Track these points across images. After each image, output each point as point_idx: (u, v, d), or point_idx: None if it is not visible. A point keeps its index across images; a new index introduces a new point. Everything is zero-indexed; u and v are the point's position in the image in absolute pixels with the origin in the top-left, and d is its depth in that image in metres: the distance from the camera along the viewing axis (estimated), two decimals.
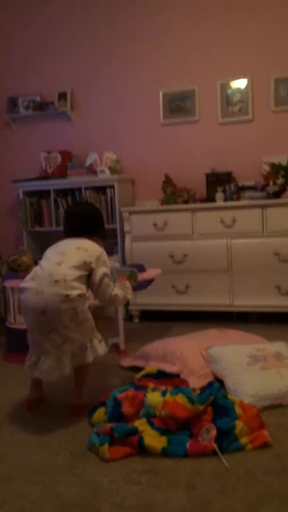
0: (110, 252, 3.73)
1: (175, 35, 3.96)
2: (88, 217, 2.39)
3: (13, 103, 4.42)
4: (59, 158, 4.15)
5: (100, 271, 2.17)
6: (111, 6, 4.11)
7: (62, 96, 4.28)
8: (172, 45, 3.98)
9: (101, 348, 2.24)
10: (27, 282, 2.15)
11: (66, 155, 4.18)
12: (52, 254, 2.22)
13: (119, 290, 2.25)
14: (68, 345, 2.09)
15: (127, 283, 2.34)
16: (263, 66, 3.75)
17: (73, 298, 2.04)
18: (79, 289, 2.07)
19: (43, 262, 2.20)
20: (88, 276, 2.17)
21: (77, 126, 4.32)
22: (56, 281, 2.04)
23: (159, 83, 4.02)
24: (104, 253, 2.27)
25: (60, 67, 4.31)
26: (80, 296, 2.07)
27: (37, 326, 2.09)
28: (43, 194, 4.14)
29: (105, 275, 2.18)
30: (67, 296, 2.03)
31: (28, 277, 2.19)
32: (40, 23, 4.33)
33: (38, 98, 4.35)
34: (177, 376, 2.39)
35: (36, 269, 2.20)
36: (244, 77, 3.80)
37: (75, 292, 2.05)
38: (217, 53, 3.86)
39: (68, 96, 4.26)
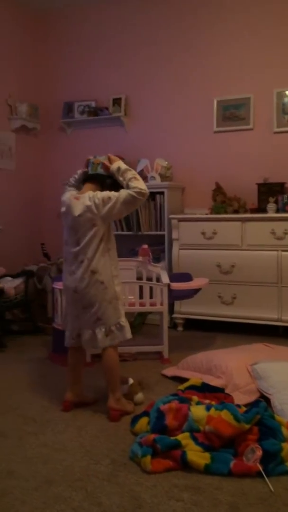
0: (157, 259, 3.74)
1: (232, 43, 3.92)
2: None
3: (69, 108, 4.52)
4: None
5: (112, 201, 2.16)
6: (168, 13, 4.12)
7: (117, 101, 4.34)
8: (228, 52, 3.94)
9: (128, 332, 2.27)
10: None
11: None
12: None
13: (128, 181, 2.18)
14: (100, 321, 2.20)
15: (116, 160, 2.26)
16: None
17: (94, 270, 2.18)
18: (100, 260, 2.19)
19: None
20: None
21: (130, 131, 4.35)
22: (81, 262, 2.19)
23: (213, 91, 3.99)
24: (99, 193, 2.20)
25: (115, 73, 4.36)
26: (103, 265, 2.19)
27: (73, 302, 2.26)
28: None
29: (117, 197, 2.16)
30: (92, 272, 2.17)
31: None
32: (97, 31, 4.41)
33: (93, 104, 4.42)
34: (221, 390, 2.35)
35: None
36: None
37: (98, 265, 2.19)
38: (274, 61, 3.79)
39: (123, 102, 4.31)
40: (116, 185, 2.26)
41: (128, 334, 2.28)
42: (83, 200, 2.22)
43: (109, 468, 1.81)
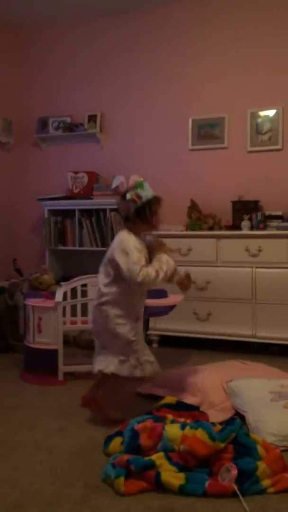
0: None
1: (207, 63, 4.00)
2: (121, 205, 2.33)
3: (43, 123, 4.50)
4: (85, 178, 4.18)
5: (121, 261, 2.16)
6: (144, 31, 4.19)
7: (92, 118, 4.35)
8: (203, 72, 4.01)
9: (140, 371, 2.26)
10: None
11: (93, 176, 4.21)
12: None
13: (150, 267, 2.17)
14: (107, 350, 2.28)
15: (164, 256, 2.24)
16: None
17: (103, 303, 2.25)
18: (108, 294, 2.24)
19: None
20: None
21: (105, 148, 4.36)
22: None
23: (189, 109, 4.05)
24: (126, 240, 2.21)
25: (91, 90, 4.39)
26: (107, 301, 2.23)
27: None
28: (68, 214, 4.17)
29: (125, 263, 2.16)
30: (99, 303, 2.26)
31: None
32: (73, 47, 4.44)
33: (68, 119, 4.42)
34: (196, 408, 2.32)
35: None
36: (274, 107, 3.80)
37: (104, 299, 2.24)
38: (248, 82, 3.88)
39: (98, 118, 4.32)
40: (140, 214, 2.26)
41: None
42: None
43: (81, 491, 1.75)
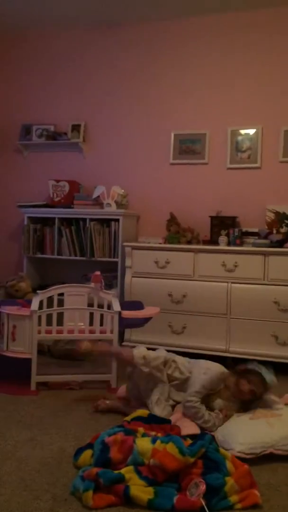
0: (109, 285, 3.72)
1: (190, 80, 4.07)
2: None
3: (26, 131, 4.49)
4: (67, 187, 4.19)
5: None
6: (129, 44, 4.24)
7: (76, 127, 4.36)
8: (186, 88, 4.08)
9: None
10: None
11: (74, 186, 4.21)
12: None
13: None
14: None
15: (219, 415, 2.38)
16: (274, 116, 3.84)
17: None
18: None
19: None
20: None
21: (87, 158, 4.38)
22: None
23: (171, 124, 4.11)
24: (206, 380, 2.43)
25: (76, 100, 4.41)
26: None
27: None
28: (47, 222, 4.16)
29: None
30: None
31: None
32: (59, 55, 4.46)
33: (52, 128, 4.42)
34: (168, 421, 2.33)
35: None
36: (254, 126, 3.89)
37: None
38: (230, 101, 3.96)
39: (82, 128, 4.34)
40: None
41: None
42: None
43: (49, 503, 1.74)
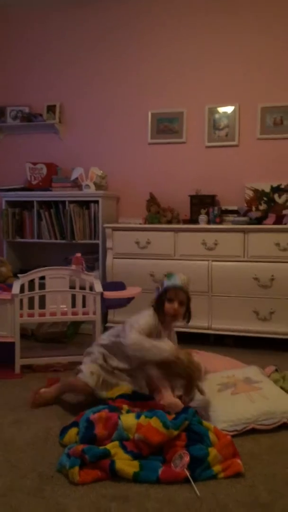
0: (91, 267, 3.71)
1: (167, 58, 4.02)
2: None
3: (1, 112, 4.40)
4: (44, 170, 4.13)
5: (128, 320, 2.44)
6: (105, 24, 4.16)
7: (51, 108, 4.29)
8: (163, 67, 4.03)
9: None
10: None
11: (52, 168, 4.16)
12: None
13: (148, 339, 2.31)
14: None
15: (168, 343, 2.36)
16: (250, 94, 3.83)
17: None
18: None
19: None
20: None
21: (64, 139, 4.32)
22: None
23: (148, 103, 4.07)
24: (144, 313, 2.47)
25: (50, 81, 4.32)
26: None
27: None
28: (26, 205, 4.11)
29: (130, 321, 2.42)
30: None
31: None
32: (33, 37, 4.35)
33: (26, 109, 4.34)
34: (152, 398, 2.36)
35: None
36: (232, 103, 3.87)
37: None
38: (207, 78, 3.93)
39: (57, 109, 4.27)
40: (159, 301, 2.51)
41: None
42: None
43: (35, 482, 1.76)
